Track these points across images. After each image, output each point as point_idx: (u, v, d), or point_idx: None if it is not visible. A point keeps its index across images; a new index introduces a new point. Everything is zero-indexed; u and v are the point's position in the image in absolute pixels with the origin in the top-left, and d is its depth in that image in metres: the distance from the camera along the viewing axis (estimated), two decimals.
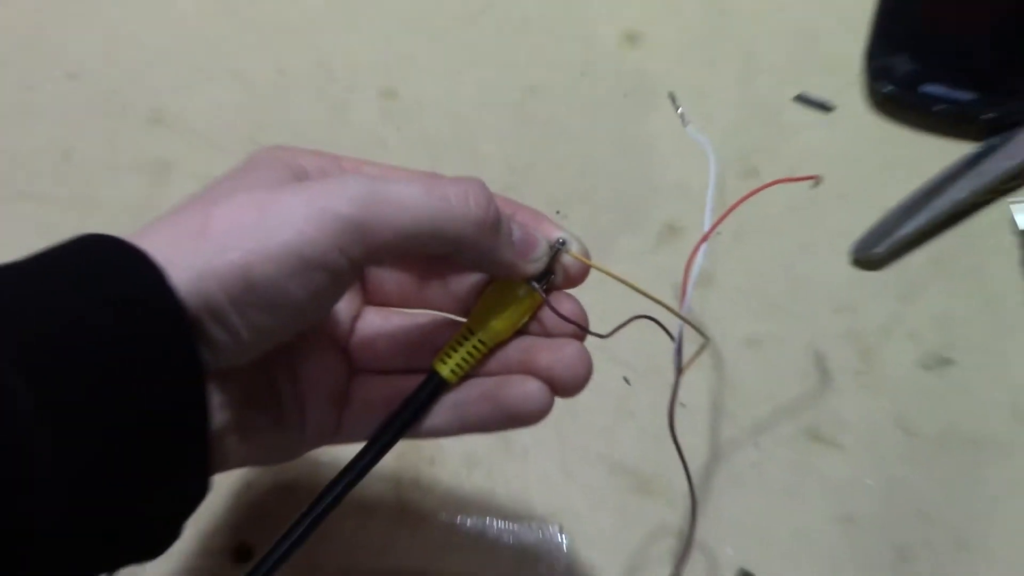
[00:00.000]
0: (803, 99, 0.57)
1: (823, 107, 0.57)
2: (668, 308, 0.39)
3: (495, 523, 0.51)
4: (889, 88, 0.55)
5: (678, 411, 0.42)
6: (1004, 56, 0.56)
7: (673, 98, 0.56)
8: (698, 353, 0.42)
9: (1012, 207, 0.54)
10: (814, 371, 0.53)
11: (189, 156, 0.57)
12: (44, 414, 0.29)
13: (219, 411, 0.35)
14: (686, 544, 0.48)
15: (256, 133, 0.57)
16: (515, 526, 0.51)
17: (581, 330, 0.39)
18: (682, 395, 0.42)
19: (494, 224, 0.36)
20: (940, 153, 0.55)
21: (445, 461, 0.52)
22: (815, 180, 0.48)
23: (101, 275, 0.32)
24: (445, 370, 0.38)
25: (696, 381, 0.52)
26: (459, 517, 0.51)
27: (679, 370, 0.41)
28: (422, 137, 0.57)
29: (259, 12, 0.59)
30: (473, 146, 0.57)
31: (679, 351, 0.41)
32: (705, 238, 0.42)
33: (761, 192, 0.43)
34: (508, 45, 0.58)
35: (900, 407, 0.52)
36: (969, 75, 0.55)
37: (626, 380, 0.53)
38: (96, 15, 0.59)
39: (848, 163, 0.55)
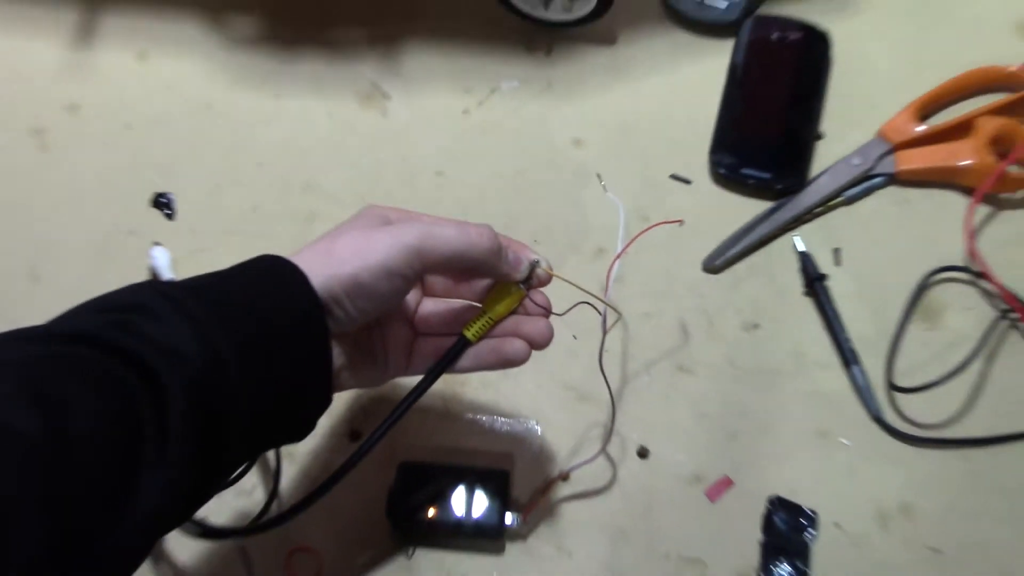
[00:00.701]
0: (675, 177, 0.55)
1: (686, 181, 0.55)
2: (597, 297, 0.38)
3: (498, 419, 0.50)
4: (722, 171, 0.54)
5: (604, 355, 0.42)
6: (785, 152, 0.54)
7: (599, 176, 0.55)
8: (615, 322, 0.41)
9: (794, 238, 0.53)
10: (681, 331, 0.51)
11: (325, 209, 0.55)
12: (246, 374, 0.29)
13: (338, 357, 0.34)
14: (608, 432, 0.47)
15: (364, 196, 0.56)
16: (510, 420, 0.50)
17: (547, 312, 0.38)
18: (606, 346, 0.41)
19: (498, 251, 0.35)
20: (753, 207, 0.54)
21: (469, 384, 0.50)
22: (680, 222, 0.47)
23: (273, 280, 0.31)
24: (469, 334, 0.37)
25: (613, 338, 0.50)
26: (477, 415, 0.50)
27: (604, 331, 0.41)
28: (457, 199, 0.55)
29: (365, 128, 0.58)
30: (485, 204, 0.55)
31: (604, 321, 0.41)
32: (618, 256, 0.41)
33: (650, 229, 0.42)
34: (505, 146, 0.57)
35: (730, 352, 0.51)
36: (767, 163, 0.54)
37: (574, 337, 0.51)
38: (274, 130, 0.58)
39: (700, 213, 0.54)
